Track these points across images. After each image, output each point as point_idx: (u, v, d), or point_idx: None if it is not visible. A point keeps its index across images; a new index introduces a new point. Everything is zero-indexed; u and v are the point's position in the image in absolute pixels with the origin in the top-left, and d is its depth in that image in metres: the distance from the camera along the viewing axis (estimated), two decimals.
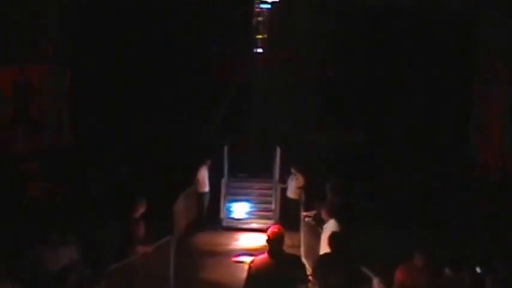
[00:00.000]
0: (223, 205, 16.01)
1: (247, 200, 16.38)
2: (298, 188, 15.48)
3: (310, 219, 12.12)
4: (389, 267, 7.46)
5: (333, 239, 7.01)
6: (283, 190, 16.10)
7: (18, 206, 12.15)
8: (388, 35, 20.56)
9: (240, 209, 16.03)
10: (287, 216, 15.41)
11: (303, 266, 5.98)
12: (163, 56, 20.34)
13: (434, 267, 7.16)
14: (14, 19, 17.83)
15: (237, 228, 15.40)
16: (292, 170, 15.89)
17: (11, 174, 14.86)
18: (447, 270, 7.16)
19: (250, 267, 5.84)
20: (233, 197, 16.45)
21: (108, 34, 19.84)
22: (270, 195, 16.67)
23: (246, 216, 15.92)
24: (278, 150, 16.90)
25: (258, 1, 20.25)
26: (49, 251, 6.70)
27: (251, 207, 16.24)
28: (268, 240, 5.91)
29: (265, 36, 19.68)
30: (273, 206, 16.23)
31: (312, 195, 13.69)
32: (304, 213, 13.29)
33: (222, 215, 15.92)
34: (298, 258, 6.12)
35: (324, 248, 8.41)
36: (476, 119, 20.19)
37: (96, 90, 19.69)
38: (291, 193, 15.66)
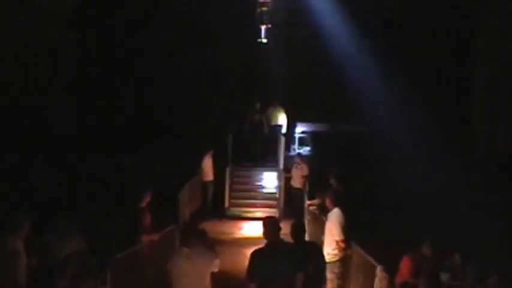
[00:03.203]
0: (227, 194, 16.13)
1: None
2: (303, 177, 15.51)
3: (315, 208, 12.19)
4: (392, 255, 7.53)
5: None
6: (288, 179, 16.16)
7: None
8: (391, 23, 20.49)
9: None
10: (291, 205, 15.49)
11: (302, 253, 6.04)
12: (166, 47, 20.33)
13: (441, 257, 7.21)
14: None
15: (241, 217, 15.48)
16: (297, 159, 15.91)
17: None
18: (457, 257, 7.18)
19: (251, 257, 5.92)
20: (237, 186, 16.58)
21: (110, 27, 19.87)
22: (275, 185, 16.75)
23: None
24: (282, 139, 16.93)
25: None
26: (57, 240, 6.78)
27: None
28: (265, 231, 6.02)
29: (269, 26, 19.56)
30: (277, 195, 16.30)
31: (316, 184, 13.73)
32: (308, 202, 13.36)
33: (227, 203, 16.03)
34: (296, 245, 6.19)
35: (328, 237, 8.48)
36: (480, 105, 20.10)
37: (101, 75, 19.72)
38: (296, 182, 15.70)
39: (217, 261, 6.23)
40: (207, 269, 6.11)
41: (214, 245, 6.74)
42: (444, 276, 7.15)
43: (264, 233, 6.05)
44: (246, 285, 5.82)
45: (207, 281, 6.11)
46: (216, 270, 6.25)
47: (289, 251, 6.01)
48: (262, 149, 17.52)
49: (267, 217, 6.42)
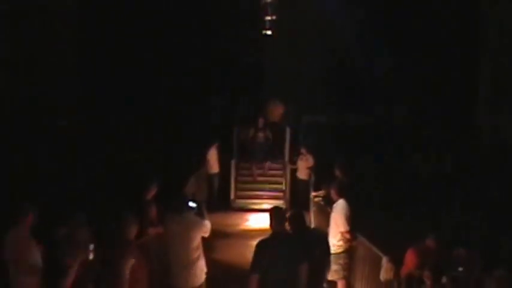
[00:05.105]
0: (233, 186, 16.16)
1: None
2: (308, 168, 15.53)
3: (320, 199, 12.22)
4: (397, 246, 7.55)
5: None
6: (294, 171, 16.17)
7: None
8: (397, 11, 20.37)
9: None
10: (297, 196, 15.51)
11: (305, 243, 6.06)
12: (172, 39, 20.29)
13: (446, 249, 7.21)
14: None
15: (247, 209, 15.52)
16: (302, 151, 15.92)
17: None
18: (461, 250, 7.19)
19: (256, 248, 5.92)
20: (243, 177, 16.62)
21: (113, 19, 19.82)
22: (280, 176, 16.76)
23: None
24: (288, 130, 16.94)
25: None
26: (69, 232, 6.87)
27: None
28: (270, 222, 6.04)
29: (274, 17, 19.51)
30: (283, 187, 16.34)
31: (321, 176, 13.74)
32: (313, 194, 13.39)
33: (232, 195, 16.06)
34: (300, 236, 6.23)
35: (333, 228, 8.51)
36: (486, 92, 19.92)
37: (107, 69, 19.70)
38: (301, 173, 15.73)
39: (206, 227, 6.87)
40: (197, 233, 6.78)
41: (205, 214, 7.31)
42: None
43: (270, 223, 6.08)
44: (250, 275, 5.81)
45: (197, 243, 6.76)
46: (206, 235, 6.89)
47: (294, 242, 6.02)
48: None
49: (273, 207, 6.42)
